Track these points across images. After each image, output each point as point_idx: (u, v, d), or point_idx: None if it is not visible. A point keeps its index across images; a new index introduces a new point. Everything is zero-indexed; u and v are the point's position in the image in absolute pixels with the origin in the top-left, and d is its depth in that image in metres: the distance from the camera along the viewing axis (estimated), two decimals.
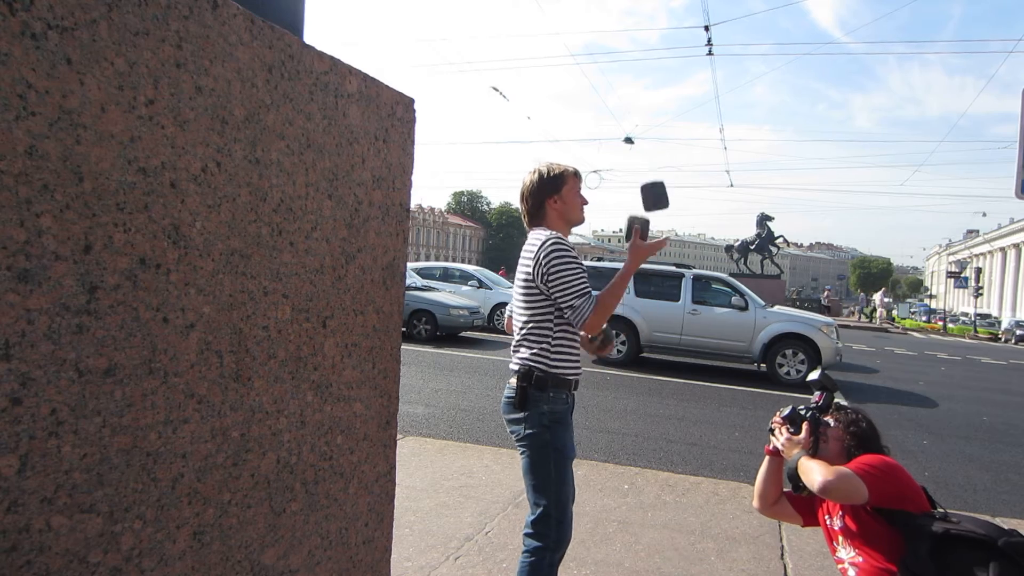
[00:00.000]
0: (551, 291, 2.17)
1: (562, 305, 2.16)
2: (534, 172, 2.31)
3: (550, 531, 2.17)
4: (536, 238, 2.23)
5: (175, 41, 0.93)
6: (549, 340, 2.20)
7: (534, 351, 2.20)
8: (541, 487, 2.21)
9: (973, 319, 36.44)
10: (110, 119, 0.84)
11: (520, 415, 2.21)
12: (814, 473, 1.86)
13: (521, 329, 2.26)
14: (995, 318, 41.56)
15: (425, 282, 13.75)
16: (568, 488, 2.24)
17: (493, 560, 3.10)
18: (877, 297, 36.62)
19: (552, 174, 2.28)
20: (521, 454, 2.26)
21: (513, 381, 2.23)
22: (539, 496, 2.21)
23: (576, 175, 2.34)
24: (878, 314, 32.95)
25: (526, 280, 2.23)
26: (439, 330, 11.94)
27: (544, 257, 2.16)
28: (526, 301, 2.23)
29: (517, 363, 2.23)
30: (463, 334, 12.84)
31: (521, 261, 2.29)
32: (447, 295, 13.22)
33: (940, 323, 36.27)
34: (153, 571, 0.95)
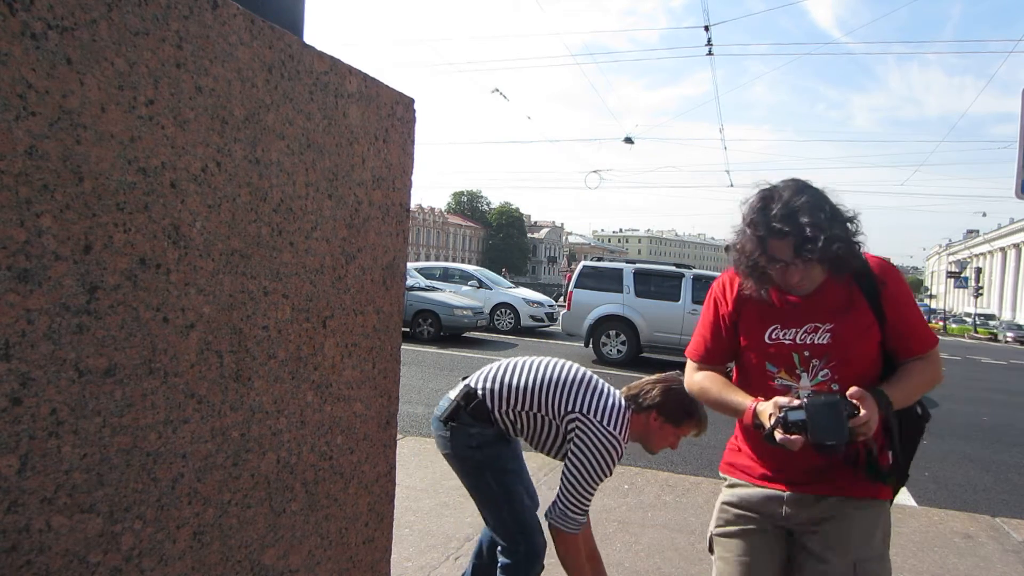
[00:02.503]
0: (567, 466, 2.07)
1: (561, 498, 2.06)
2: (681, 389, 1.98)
3: (517, 547, 2.13)
4: (611, 422, 2.06)
5: (175, 41, 0.93)
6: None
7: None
8: (489, 506, 2.18)
9: (975, 320, 36.16)
10: (110, 119, 0.84)
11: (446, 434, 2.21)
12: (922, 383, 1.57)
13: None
14: (1003, 321, 40.89)
15: (428, 282, 13.76)
16: (518, 500, 2.18)
17: None
18: None
19: (685, 407, 2.13)
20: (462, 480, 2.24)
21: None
22: (491, 516, 2.19)
23: (696, 428, 2.19)
24: None
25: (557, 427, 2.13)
26: (443, 330, 11.94)
27: (592, 442, 2.04)
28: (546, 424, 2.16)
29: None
30: (466, 334, 12.84)
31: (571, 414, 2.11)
32: (451, 295, 13.22)
33: (940, 323, 36.17)
34: (153, 571, 0.95)
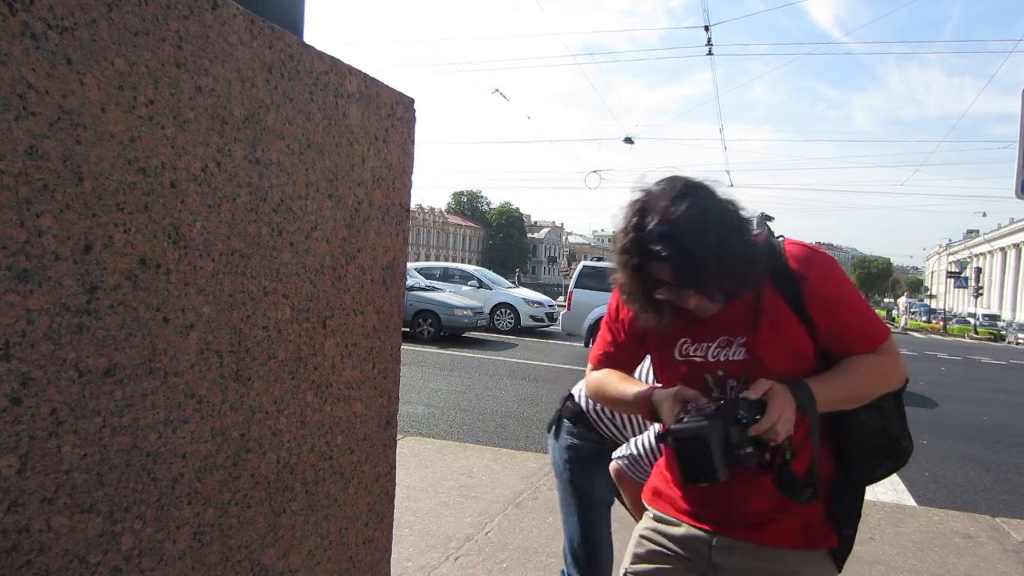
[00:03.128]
0: None
1: None
2: None
3: (578, 568, 2.10)
4: None
5: (175, 41, 0.93)
6: None
7: None
8: (564, 519, 2.15)
9: (980, 320, 35.71)
10: (110, 119, 0.84)
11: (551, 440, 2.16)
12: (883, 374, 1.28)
13: None
14: (1013, 322, 40.12)
15: (428, 282, 13.76)
16: (593, 532, 2.11)
17: (493, 560, 3.10)
18: (902, 302, 36.12)
19: None
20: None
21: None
22: (565, 527, 2.16)
23: None
24: (902, 320, 32.09)
25: None
26: (443, 330, 11.95)
27: None
28: None
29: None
30: (466, 334, 12.84)
31: None
32: (451, 295, 13.23)
33: (940, 323, 36.09)
34: (153, 571, 0.95)
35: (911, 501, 4.73)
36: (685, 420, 1.13)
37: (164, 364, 0.94)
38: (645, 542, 1.39)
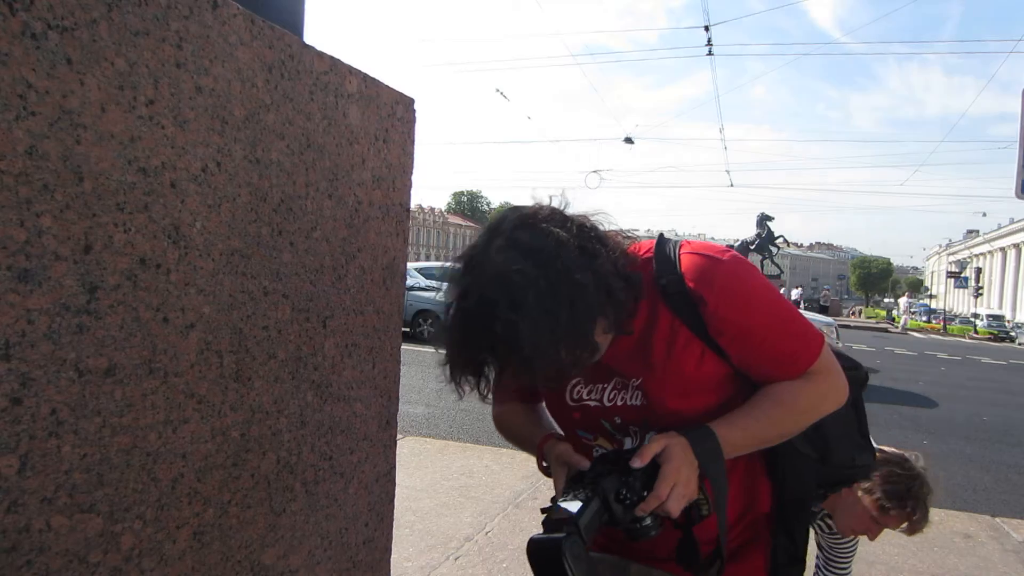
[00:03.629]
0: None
1: None
2: None
3: None
4: None
5: (175, 41, 0.93)
6: None
7: None
8: None
9: (985, 321, 35.16)
10: (110, 119, 0.84)
11: None
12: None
13: None
14: (1018, 323, 39.21)
15: (428, 282, 13.76)
16: None
17: (493, 560, 3.10)
18: (903, 302, 35.89)
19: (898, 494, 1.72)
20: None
21: None
22: None
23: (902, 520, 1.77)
24: (903, 321, 31.75)
25: None
26: None
27: None
28: None
29: None
30: None
31: None
32: None
33: (940, 323, 36.01)
34: (153, 571, 0.95)
35: None
36: (555, 510, 0.92)
37: (164, 364, 0.94)
38: None
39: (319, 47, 1.22)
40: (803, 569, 1.13)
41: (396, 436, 1.56)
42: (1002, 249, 55.67)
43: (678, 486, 0.91)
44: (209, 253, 1.01)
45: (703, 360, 1.00)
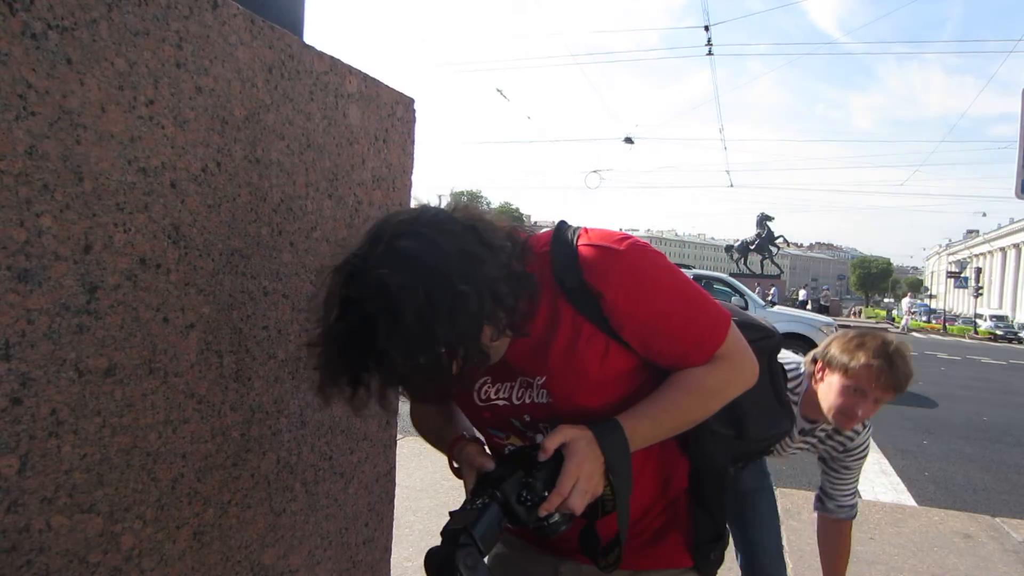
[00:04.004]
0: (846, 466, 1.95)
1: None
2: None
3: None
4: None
5: (175, 41, 0.93)
6: None
7: None
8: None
9: (991, 323, 34.64)
10: (110, 119, 0.84)
11: None
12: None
13: None
14: (1020, 323, 38.23)
15: None
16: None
17: None
18: (905, 303, 35.57)
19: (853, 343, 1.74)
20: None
21: None
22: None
23: (870, 358, 1.69)
24: (904, 321, 31.44)
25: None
26: None
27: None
28: None
29: None
30: None
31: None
32: None
33: (940, 323, 35.87)
34: (153, 571, 0.95)
35: (911, 501, 4.73)
36: (452, 518, 0.89)
37: (164, 364, 0.94)
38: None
39: (319, 47, 1.22)
40: (725, 544, 1.14)
41: (396, 436, 1.55)
42: (1002, 249, 55.67)
43: (580, 482, 0.90)
44: (209, 253, 1.01)
45: (608, 355, 0.97)
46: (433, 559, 0.88)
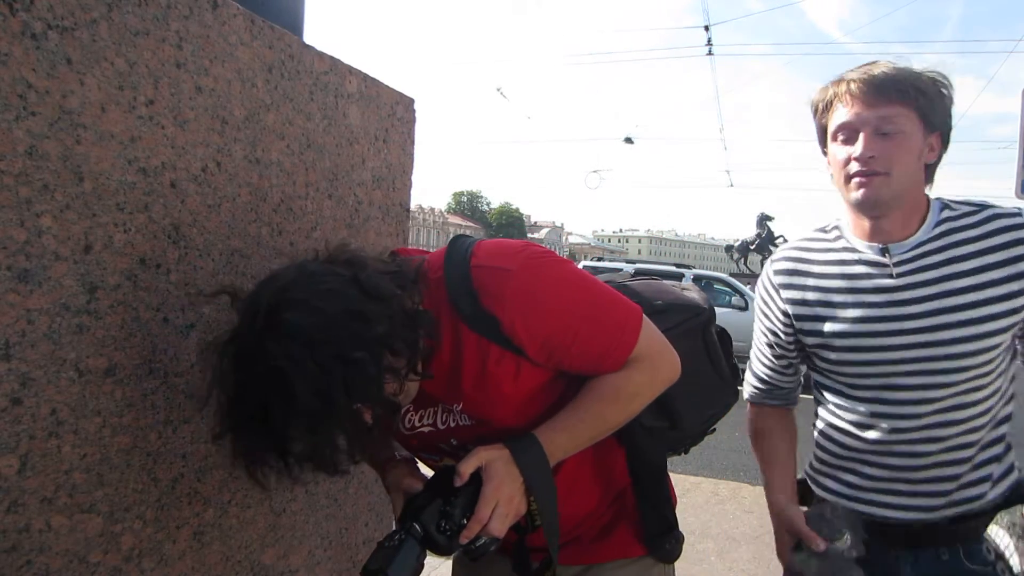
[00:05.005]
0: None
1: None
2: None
3: None
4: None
5: (175, 41, 0.93)
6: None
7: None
8: None
9: None
10: (110, 119, 0.84)
11: None
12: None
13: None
14: None
15: None
16: None
17: None
18: None
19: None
20: None
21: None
22: None
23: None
24: None
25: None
26: None
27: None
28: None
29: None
30: None
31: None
32: None
33: None
34: (153, 571, 0.94)
35: None
36: (372, 557, 0.88)
37: (164, 364, 0.94)
38: (457, 570, 1.22)
39: (319, 47, 1.22)
40: (680, 536, 1.11)
41: None
42: None
43: (500, 506, 0.88)
44: (209, 253, 1.01)
45: (520, 374, 0.94)
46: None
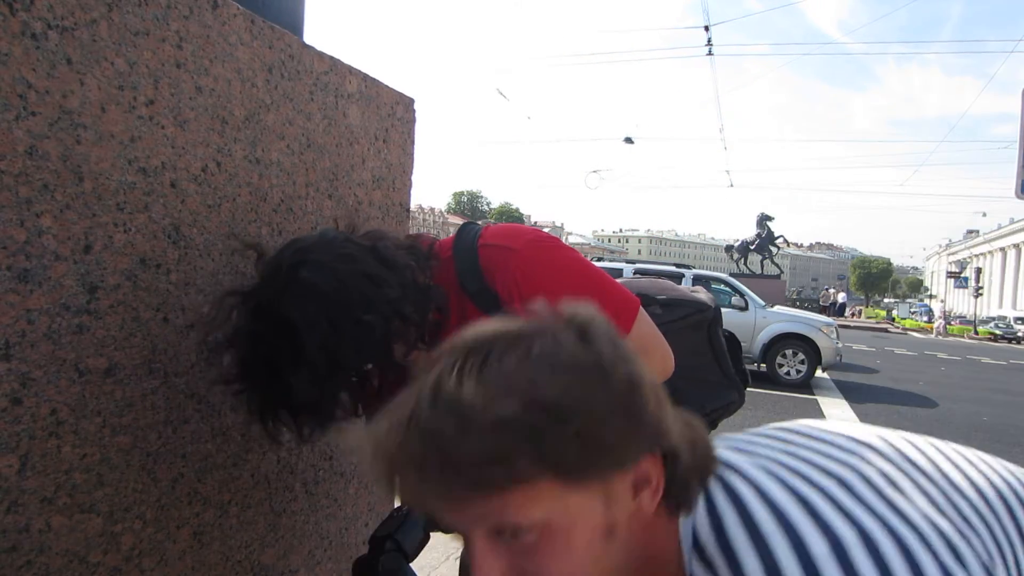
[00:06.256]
0: None
1: None
2: None
3: None
4: None
5: (175, 41, 0.93)
6: None
7: None
8: None
9: (1009, 324, 33.49)
10: (110, 119, 0.84)
11: None
12: None
13: None
14: None
15: None
16: None
17: None
18: (936, 308, 34.66)
19: None
20: None
21: None
22: None
23: None
24: (937, 326, 30.74)
25: None
26: None
27: None
28: None
29: None
30: None
31: None
32: None
33: (970, 326, 35.25)
34: (153, 571, 0.95)
35: None
36: (381, 524, 0.95)
37: (164, 364, 0.94)
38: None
39: (319, 47, 1.22)
40: None
41: None
42: (1002, 249, 55.66)
43: None
44: (209, 253, 1.01)
45: None
46: (358, 565, 0.92)
